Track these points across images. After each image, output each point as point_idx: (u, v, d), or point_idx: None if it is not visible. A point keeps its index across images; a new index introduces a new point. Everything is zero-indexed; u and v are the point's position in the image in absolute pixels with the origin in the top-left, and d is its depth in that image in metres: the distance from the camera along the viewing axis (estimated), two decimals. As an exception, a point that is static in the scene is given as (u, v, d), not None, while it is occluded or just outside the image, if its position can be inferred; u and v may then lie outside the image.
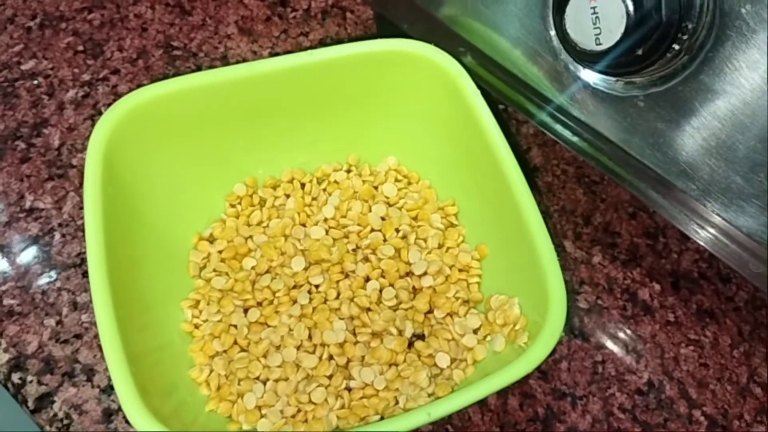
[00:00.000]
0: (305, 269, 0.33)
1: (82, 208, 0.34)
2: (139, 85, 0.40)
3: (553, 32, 0.30)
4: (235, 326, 0.31)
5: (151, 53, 0.42)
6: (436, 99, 0.33)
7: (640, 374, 0.34)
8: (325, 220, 0.34)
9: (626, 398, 0.33)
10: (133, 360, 0.25)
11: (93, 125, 0.35)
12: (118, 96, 0.40)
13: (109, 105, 0.39)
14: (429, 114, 0.34)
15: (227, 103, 0.33)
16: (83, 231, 0.32)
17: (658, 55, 0.28)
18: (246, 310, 0.32)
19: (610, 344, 0.35)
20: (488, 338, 0.31)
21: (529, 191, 0.30)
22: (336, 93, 0.34)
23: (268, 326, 0.31)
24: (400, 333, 0.31)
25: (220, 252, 0.33)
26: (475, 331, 0.31)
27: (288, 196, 0.35)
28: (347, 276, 0.32)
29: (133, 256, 0.30)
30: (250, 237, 0.34)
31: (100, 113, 0.39)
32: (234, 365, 0.30)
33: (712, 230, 0.31)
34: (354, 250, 0.33)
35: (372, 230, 0.34)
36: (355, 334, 0.31)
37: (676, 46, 0.28)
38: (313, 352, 0.30)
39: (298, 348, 0.31)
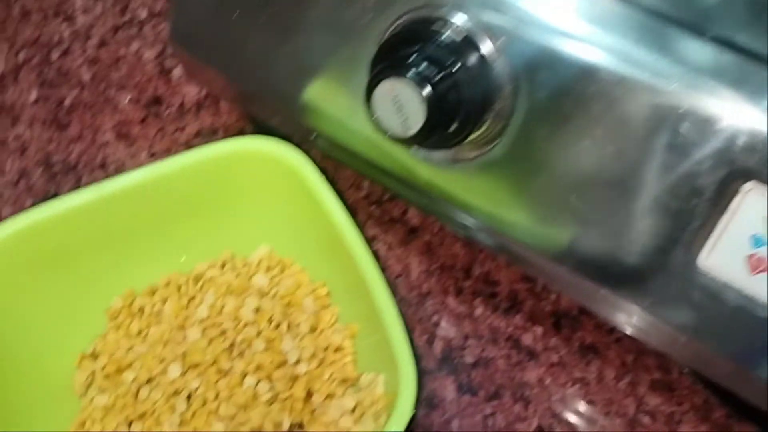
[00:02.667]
0: (183, 375, 0.33)
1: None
2: (21, 208, 0.41)
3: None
4: (122, 442, 0.32)
5: (32, 173, 0.43)
6: (287, 189, 0.34)
7: (529, 420, 0.35)
8: (201, 320, 0.35)
9: (517, 448, 0.34)
10: None
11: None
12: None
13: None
14: (286, 203, 0.35)
15: (95, 222, 0.34)
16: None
17: (470, 128, 0.30)
18: (130, 424, 0.33)
19: (498, 395, 0.35)
20: (363, 417, 0.32)
21: (378, 272, 0.31)
22: (198, 194, 0.35)
23: (152, 438, 0.32)
24: (278, 426, 0.32)
25: (103, 368, 0.34)
26: (352, 411, 0.32)
27: (165, 300, 0.36)
28: (225, 375, 0.33)
29: (11, 398, 0.30)
30: (131, 348, 0.35)
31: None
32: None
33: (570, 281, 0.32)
34: (230, 347, 0.34)
35: (246, 324, 0.34)
36: (236, 433, 0.32)
37: (487, 116, 0.30)
38: (196, 458, 0.31)
39: (181, 456, 0.31)
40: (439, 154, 0.32)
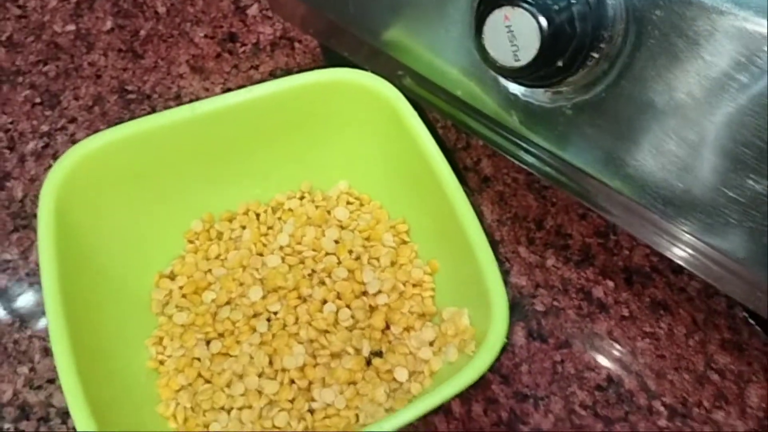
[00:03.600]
0: (263, 298, 0.34)
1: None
2: (96, 131, 0.41)
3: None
4: (199, 359, 0.32)
5: (106, 99, 0.43)
6: (378, 123, 0.34)
7: (598, 371, 0.35)
8: (281, 248, 0.35)
9: (587, 395, 0.34)
10: (100, 406, 0.26)
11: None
12: (77, 144, 0.41)
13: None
14: (374, 138, 0.35)
15: (176, 145, 0.34)
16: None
17: (577, 65, 0.30)
18: (208, 342, 0.33)
19: (568, 344, 0.36)
20: (443, 349, 0.32)
21: (471, 208, 0.31)
22: (282, 124, 0.35)
23: (230, 356, 0.32)
24: (358, 352, 0.32)
25: (181, 288, 0.35)
26: (430, 344, 0.32)
27: (244, 227, 0.36)
28: (304, 301, 0.33)
29: (93, 302, 0.31)
30: (209, 271, 0.35)
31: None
32: (198, 397, 0.31)
33: (664, 235, 0.32)
34: (310, 274, 0.34)
35: (326, 254, 0.35)
36: (314, 357, 0.32)
37: (595, 55, 0.29)
38: (275, 378, 0.31)
39: (260, 375, 0.31)
40: (537, 93, 0.32)
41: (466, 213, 0.30)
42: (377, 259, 0.34)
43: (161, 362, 0.32)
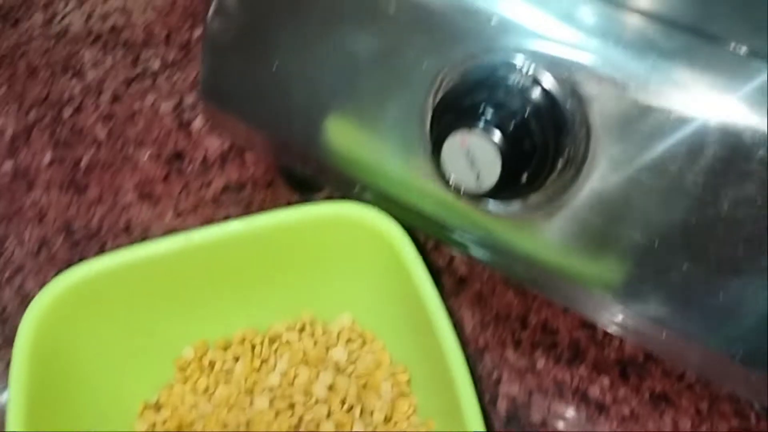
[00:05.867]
0: None
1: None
2: (45, 280, 0.39)
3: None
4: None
5: (52, 242, 0.41)
6: (380, 260, 0.33)
7: (607, 480, 0.33)
8: (271, 389, 0.33)
9: None
10: None
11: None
12: (27, 295, 0.39)
13: (19, 306, 0.39)
14: (377, 273, 0.34)
15: (171, 272, 0.33)
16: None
17: (543, 176, 0.28)
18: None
19: (571, 454, 0.33)
20: None
21: (465, 366, 0.29)
22: (283, 254, 0.34)
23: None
24: None
25: (165, 422, 0.33)
26: None
27: (237, 359, 0.34)
28: None
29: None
30: (195, 405, 0.33)
31: (8, 317, 0.38)
32: None
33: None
34: (298, 423, 0.32)
35: (317, 401, 0.32)
36: None
37: (559, 164, 0.28)
38: None
39: None
40: (503, 205, 0.30)
41: (459, 370, 0.28)
42: (371, 412, 0.32)
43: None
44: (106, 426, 0.32)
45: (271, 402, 0.33)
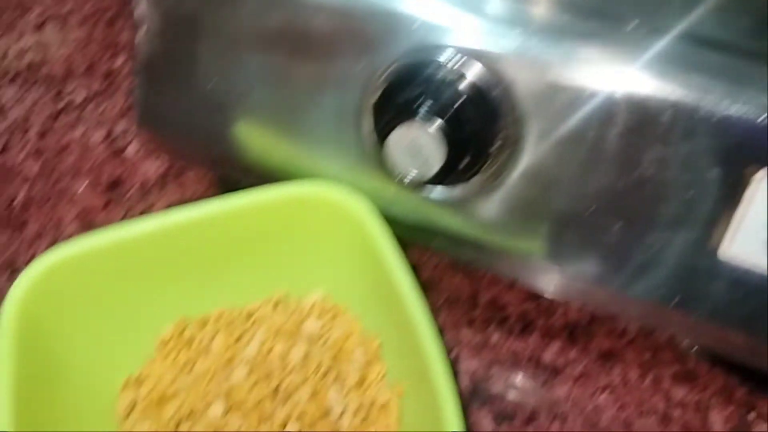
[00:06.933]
0: (225, 414, 0.32)
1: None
2: None
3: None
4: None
5: (-4, 281, 0.40)
6: (352, 235, 0.34)
7: (570, 436, 0.35)
8: (248, 360, 0.34)
9: (565, 465, 0.34)
10: None
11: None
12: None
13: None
14: (349, 249, 0.35)
15: (148, 253, 0.34)
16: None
17: (483, 158, 0.30)
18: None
19: (534, 417, 0.36)
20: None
21: (434, 333, 0.30)
22: (257, 233, 0.35)
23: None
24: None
25: (146, 396, 0.33)
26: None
27: (216, 334, 0.35)
28: (267, 419, 0.32)
29: (53, 415, 0.30)
30: (175, 379, 0.34)
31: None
32: None
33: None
34: (275, 390, 0.33)
35: (293, 370, 0.34)
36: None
37: (495, 145, 0.30)
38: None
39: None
40: (446, 191, 0.32)
41: (427, 335, 0.30)
42: (345, 377, 0.33)
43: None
44: (91, 401, 0.32)
45: (249, 372, 0.34)
